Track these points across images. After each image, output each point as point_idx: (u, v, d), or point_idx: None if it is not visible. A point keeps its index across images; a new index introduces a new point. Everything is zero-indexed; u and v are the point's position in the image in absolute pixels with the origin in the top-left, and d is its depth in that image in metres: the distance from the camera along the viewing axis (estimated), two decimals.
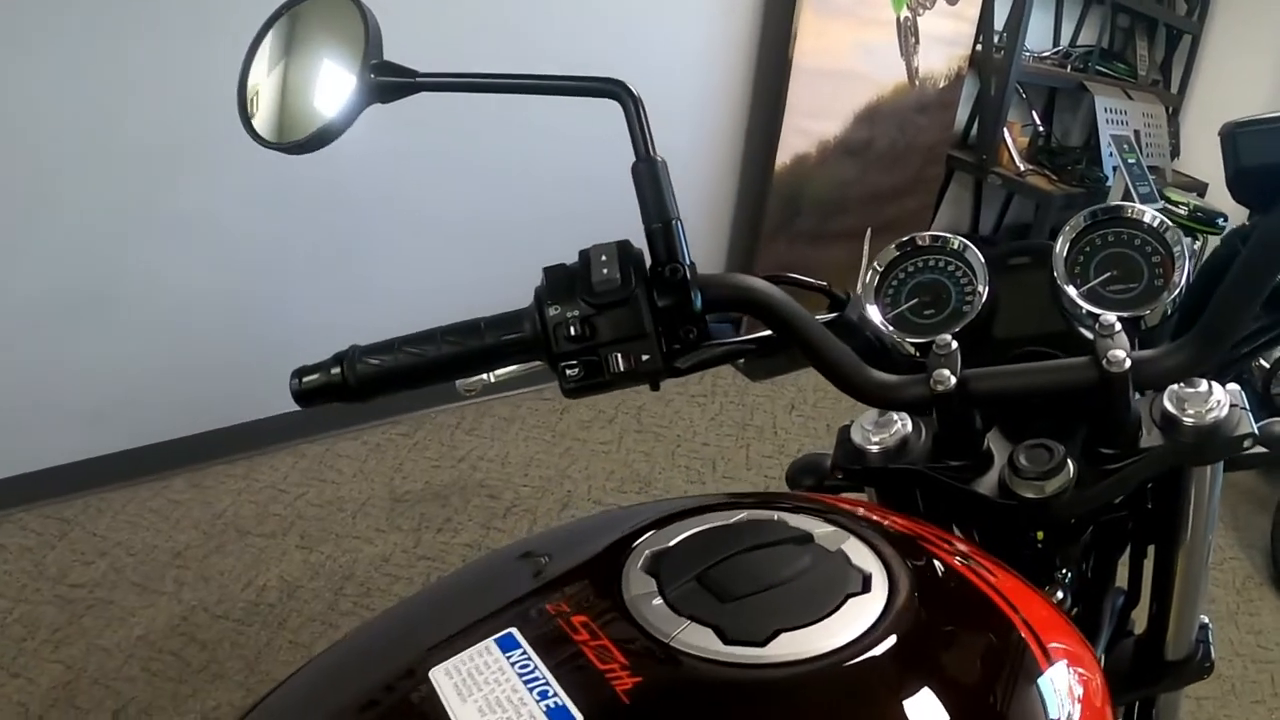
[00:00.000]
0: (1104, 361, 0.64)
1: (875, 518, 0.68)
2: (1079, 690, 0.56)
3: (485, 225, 2.77)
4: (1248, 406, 0.71)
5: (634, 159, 0.67)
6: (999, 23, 3.98)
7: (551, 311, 0.65)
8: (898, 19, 3.40)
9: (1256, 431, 0.69)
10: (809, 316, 0.69)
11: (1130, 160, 3.95)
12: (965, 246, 0.86)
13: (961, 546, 0.67)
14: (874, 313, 0.85)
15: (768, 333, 0.76)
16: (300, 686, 0.59)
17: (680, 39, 2.92)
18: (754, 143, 3.28)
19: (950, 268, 0.86)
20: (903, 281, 0.87)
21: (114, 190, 2.24)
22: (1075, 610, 0.86)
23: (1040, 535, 0.79)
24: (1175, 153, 5.47)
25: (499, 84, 0.70)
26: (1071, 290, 0.79)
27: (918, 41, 3.52)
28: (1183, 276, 0.77)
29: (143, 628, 2.12)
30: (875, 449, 0.77)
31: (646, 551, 0.58)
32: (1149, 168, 4.26)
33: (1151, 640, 0.90)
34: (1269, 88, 5.13)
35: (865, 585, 0.55)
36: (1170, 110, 5.46)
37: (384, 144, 2.42)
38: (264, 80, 0.73)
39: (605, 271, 0.65)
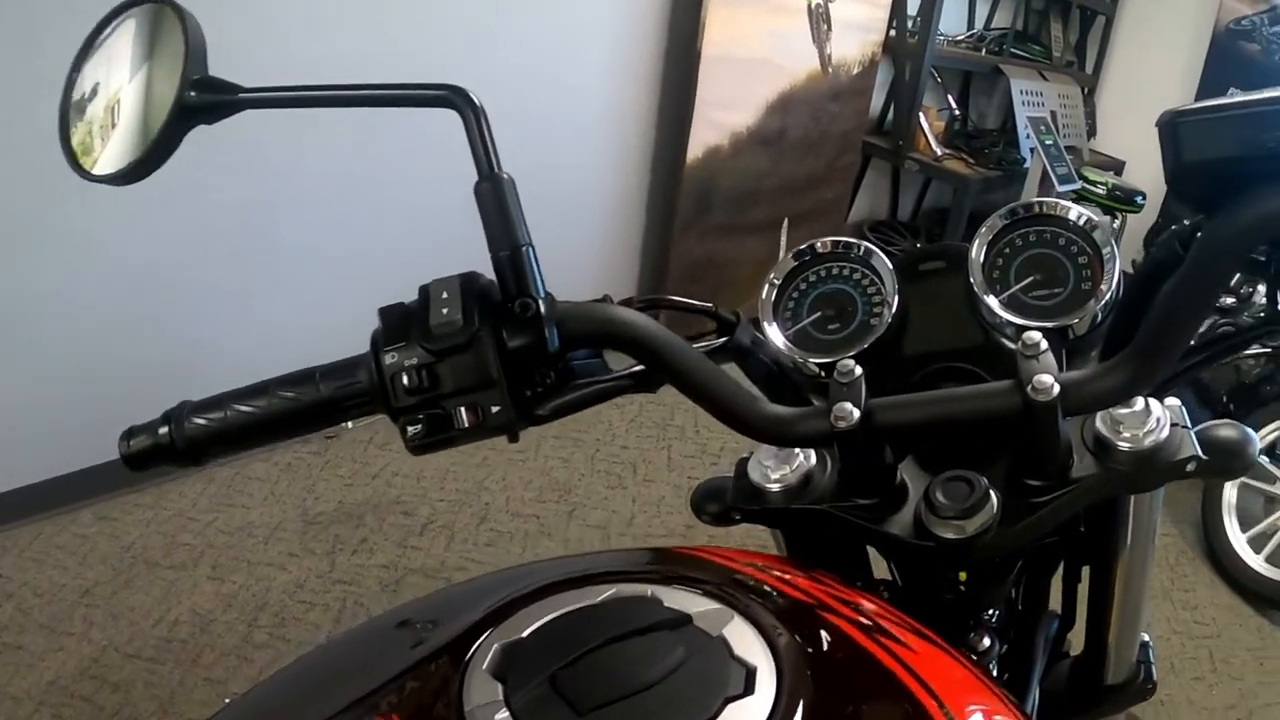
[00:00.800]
0: (1029, 388, 0.59)
1: (769, 581, 0.63)
2: None
3: (376, 248, 2.74)
4: (1189, 424, 0.67)
5: (477, 178, 0.60)
6: (913, 7, 4.05)
7: (388, 359, 0.58)
8: (809, 6, 3.44)
9: (1200, 453, 0.64)
10: (685, 347, 0.63)
11: (1047, 141, 4.08)
12: (870, 252, 0.80)
13: (869, 607, 0.62)
14: (773, 332, 0.79)
15: (636, 368, 0.69)
16: None
17: (585, 34, 2.91)
18: (664, 137, 3.30)
19: (856, 276, 0.80)
20: (804, 293, 0.81)
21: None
22: (1004, 648, 0.82)
23: (963, 575, 0.74)
24: (1092, 132, 5.65)
25: (329, 98, 0.65)
26: (991, 299, 0.73)
27: (830, 28, 3.57)
28: (1113, 279, 0.72)
29: (53, 672, 2.08)
30: (775, 488, 0.71)
31: (495, 646, 0.52)
32: (1066, 148, 4.40)
33: (1090, 663, 0.88)
34: (1183, 65, 5.32)
35: (748, 684, 0.48)
36: (1086, 90, 5.62)
37: (277, 160, 2.40)
38: (84, 104, 0.66)
39: (445, 311, 0.58)
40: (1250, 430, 0.77)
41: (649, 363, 0.62)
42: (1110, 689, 0.88)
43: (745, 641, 0.51)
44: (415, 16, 2.45)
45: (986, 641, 0.77)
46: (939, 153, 4.23)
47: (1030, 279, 0.74)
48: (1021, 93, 4.66)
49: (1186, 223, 0.69)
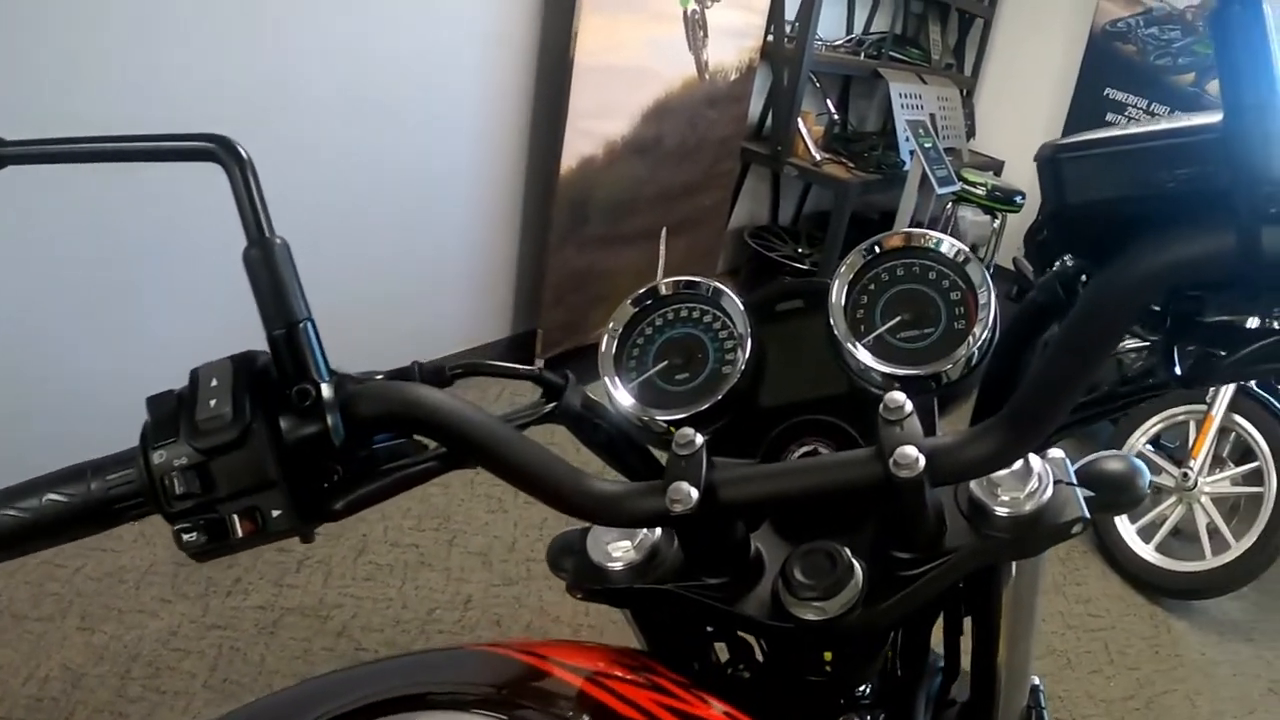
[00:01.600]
0: (890, 461, 0.54)
1: (597, 694, 0.60)
2: None
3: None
4: (1074, 479, 0.63)
5: (245, 243, 0.53)
6: (791, 12, 4.12)
7: (157, 458, 0.52)
8: (685, 13, 3.47)
9: (1086, 513, 0.60)
10: (493, 425, 0.58)
11: (926, 144, 4.20)
12: (719, 292, 0.74)
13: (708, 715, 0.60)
14: (614, 387, 0.73)
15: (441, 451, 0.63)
16: None
17: (453, 46, 2.90)
18: (537, 148, 3.29)
19: (706, 318, 0.74)
20: (649, 338, 0.75)
21: None
22: (882, 716, 0.78)
23: (828, 655, 0.68)
24: (971, 133, 5.85)
25: (91, 152, 0.58)
26: (853, 347, 0.68)
27: (706, 35, 3.60)
28: (989, 317, 0.67)
29: None
30: (617, 566, 0.66)
31: None
32: (946, 149, 4.52)
33: (978, 714, 0.86)
34: (1060, 66, 5.55)
35: None
36: (965, 92, 5.82)
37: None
38: None
39: (214, 403, 0.52)
40: (1137, 461, 0.78)
41: (453, 446, 0.58)
42: None
43: None
44: (275, 28, 2.40)
45: None
46: (818, 157, 4.31)
47: (898, 319, 0.68)
48: (900, 96, 4.80)
49: (1070, 263, 0.65)
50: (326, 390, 0.53)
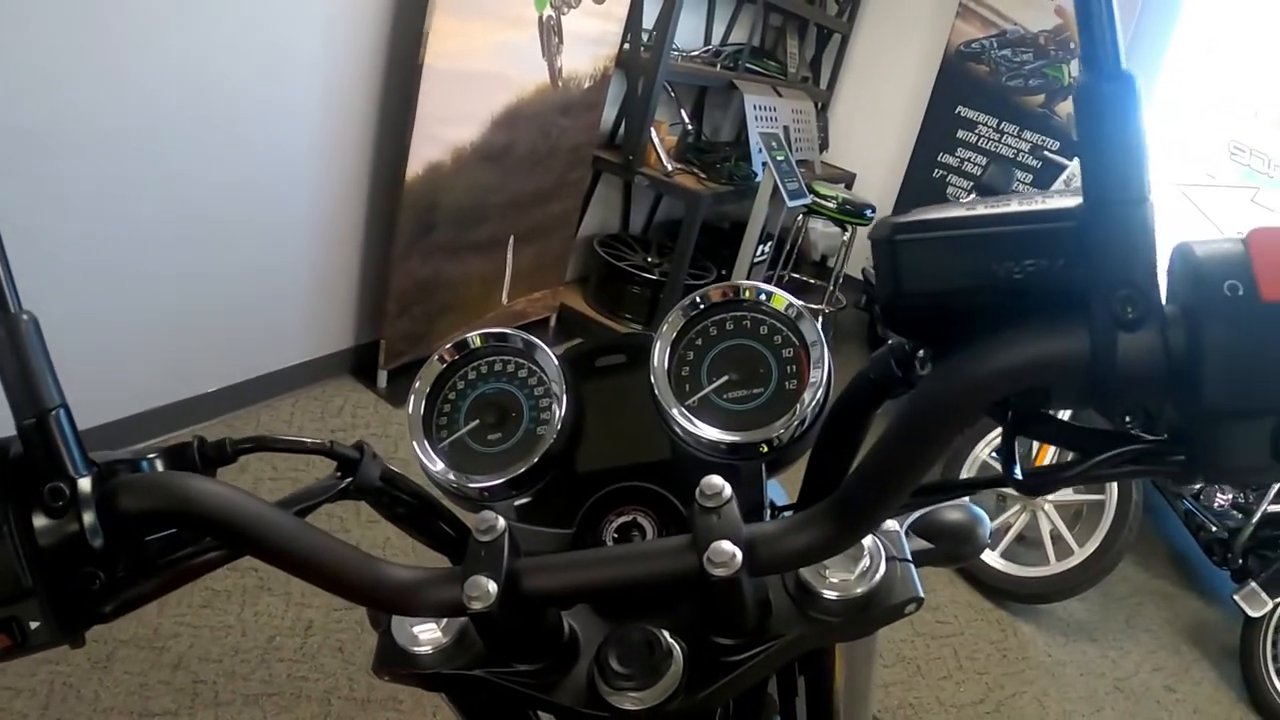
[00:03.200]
0: (705, 558, 0.52)
1: None
2: None
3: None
4: (909, 556, 0.63)
5: None
6: (649, 21, 4.27)
7: None
8: (540, 18, 3.55)
9: (920, 593, 0.61)
10: (273, 517, 0.54)
11: (779, 157, 4.38)
12: (533, 345, 0.73)
13: None
14: (423, 453, 0.72)
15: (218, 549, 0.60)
16: None
17: (296, 42, 2.90)
18: (383, 153, 3.32)
19: (521, 372, 0.73)
20: (462, 393, 0.74)
21: None
22: None
23: None
24: (824, 146, 6.15)
25: None
26: (676, 412, 0.66)
27: (561, 41, 3.70)
28: (823, 375, 0.66)
29: None
30: (424, 650, 0.64)
31: None
32: (798, 162, 4.72)
33: None
34: (914, 83, 5.88)
35: None
36: (819, 105, 6.11)
37: None
38: None
39: None
40: (979, 510, 0.80)
41: (227, 542, 0.55)
42: None
43: None
44: (111, 39, 2.40)
45: None
46: (669, 167, 4.45)
47: (725, 378, 0.67)
48: (755, 108, 5.01)
49: (904, 343, 0.62)
50: (84, 485, 0.50)
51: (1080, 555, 3.31)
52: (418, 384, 0.73)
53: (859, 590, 0.59)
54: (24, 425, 0.49)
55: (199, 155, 2.68)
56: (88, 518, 0.50)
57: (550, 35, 3.66)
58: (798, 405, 0.65)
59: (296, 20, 2.85)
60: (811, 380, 0.66)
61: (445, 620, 0.64)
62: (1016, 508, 3.54)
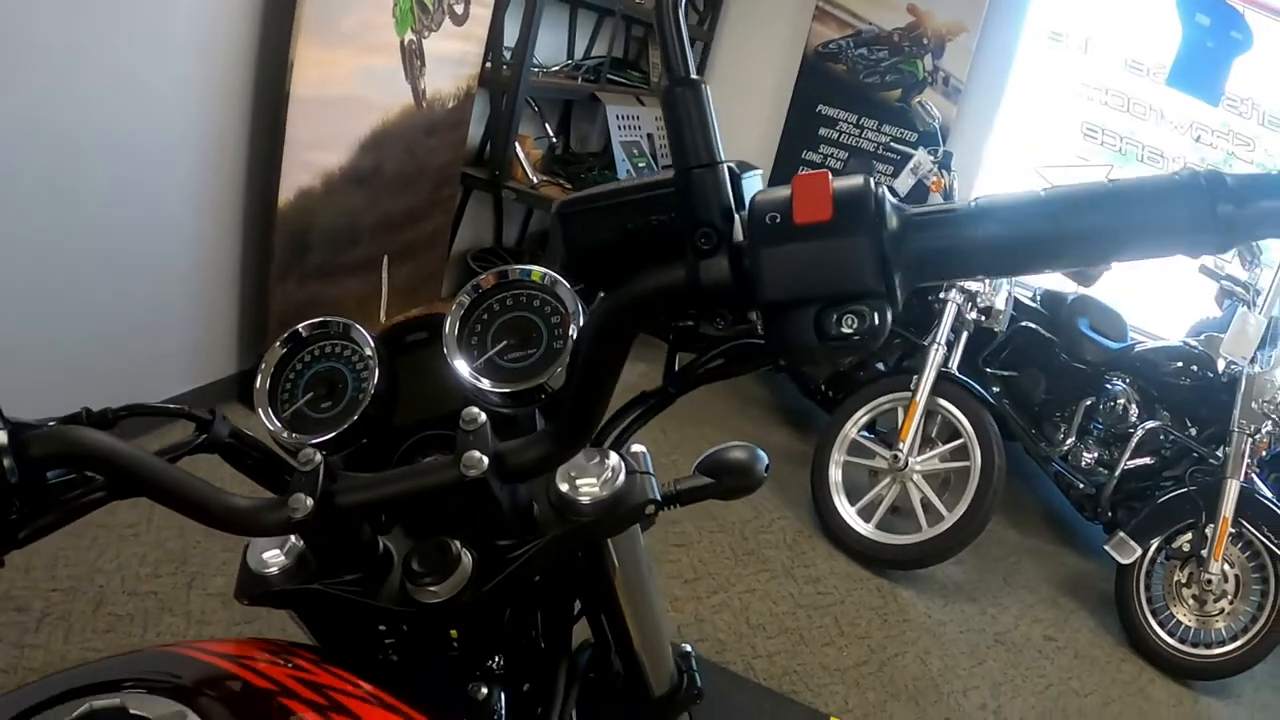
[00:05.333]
0: (461, 465, 0.69)
1: (242, 673, 0.73)
2: None
3: None
4: (650, 469, 0.80)
5: None
6: (510, 40, 4.55)
7: None
8: (402, 43, 3.80)
9: (659, 496, 0.78)
10: (147, 459, 0.71)
11: (640, 164, 4.67)
12: (349, 327, 0.88)
13: (335, 686, 0.73)
14: (266, 419, 0.86)
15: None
16: None
17: (163, 77, 3.04)
18: (255, 181, 3.49)
19: (346, 353, 0.88)
20: (300, 374, 0.88)
21: None
22: (527, 686, 0.92)
23: (454, 633, 0.82)
24: None
25: None
26: (461, 367, 0.80)
27: (424, 64, 3.96)
28: (578, 331, 0.80)
29: None
30: (272, 571, 0.79)
31: None
32: (664, 168, 5.07)
33: (633, 682, 1.03)
34: (775, 85, 6.26)
35: None
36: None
37: None
38: None
39: None
40: (759, 451, 0.98)
41: (112, 478, 0.72)
42: (659, 700, 1.05)
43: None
44: None
45: (484, 690, 0.84)
46: (535, 180, 4.74)
47: (504, 343, 0.81)
48: (618, 118, 5.33)
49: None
50: (1, 436, 0.66)
51: (950, 519, 3.65)
52: (262, 365, 0.88)
53: (604, 493, 0.75)
54: None
55: (67, 192, 2.82)
56: (6, 460, 0.66)
57: (413, 59, 3.91)
58: (561, 357, 0.80)
59: (157, 54, 3.01)
60: (571, 335, 0.80)
61: (288, 546, 0.79)
62: (887, 480, 3.88)
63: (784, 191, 0.58)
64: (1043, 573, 4.20)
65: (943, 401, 3.83)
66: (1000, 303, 3.90)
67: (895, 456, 3.82)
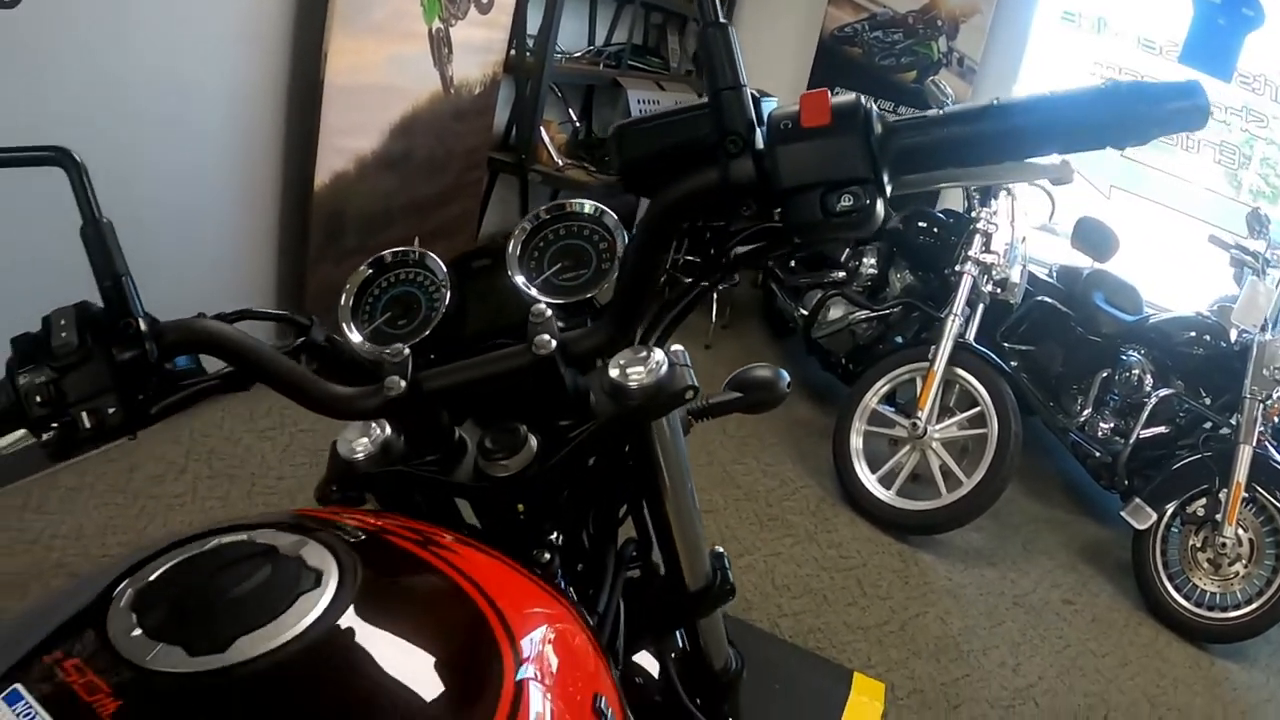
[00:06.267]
0: (532, 347, 0.82)
1: (348, 521, 0.81)
2: (550, 647, 0.74)
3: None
4: (689, 364, 0.90)
5: (81, 223, 0.81)
6: (533, 28, 4.71)
7: (22, 380, 0.76)
8: (430, 31, 3.95)
9: (696, 384, 0.88)
10: (263, 346, 0.83)
11: None
12: (425, 255, 1.00)
13: (434, 535, 0.82)
14: (350, 332, 0.97)
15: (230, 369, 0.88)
16: None
17: (203, 67, 3.18)
18: (291, 166, 3.64)
19: (420, 278, 0.99)
20: (377, 298, 0.99)
21: None
22: (580, 566, 1.03)
23: (521, 507, 0.93)
24: None
25: None
26: (520, 280, 0.94)
27: (451, 51, 4.11)
28: (621, 252, 0.92)
29: None
30: (359, 457, 0.91)
31: (129, 590, 0.68)
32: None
33: (672, 577, 1.13)
34: (793, 69, 6.36)
35: (317, 582, 0.68)
36: (702, 97, 6.61)
37: None
38: None
39: (64, 335, 0.76)
40: (782, 370, 1.14)
41: (234, 362, 0.83)
42: (695, 595, 1.15)
43: (317, 557, 0.71)
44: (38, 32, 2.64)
45: (547, 555, 0.93)
46: (560, 163, 4.90)
47: (559, 265, 0.95)
48: (639, 103, 5.47)
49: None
50: (143, 324, 0.79)
51: (969, 484, 3.77)
52: (347, 286, 1.00)
53: (649, 381, 0.86)
54: (104, 286, 0.80)
55: (109, 177, 2.90)
56: (148, 344, 0.79)
57: (440, 46, 4.06)
58: (610, 273, 0.93)
59: (200, 46, 3.15)
60: (616, 258, 0.94)
61: (374, 435, 0.92)
62: (907, 449, 4.00)
63: (794, 106, 0.73)
64: (1061, 540, 4.30)
65: (960, 371, 3.95)
66: (1015, 276, 4.00)
67: (914, 424, 3.93)
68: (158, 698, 0.62)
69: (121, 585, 0.70)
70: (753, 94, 0.74)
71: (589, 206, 0.98)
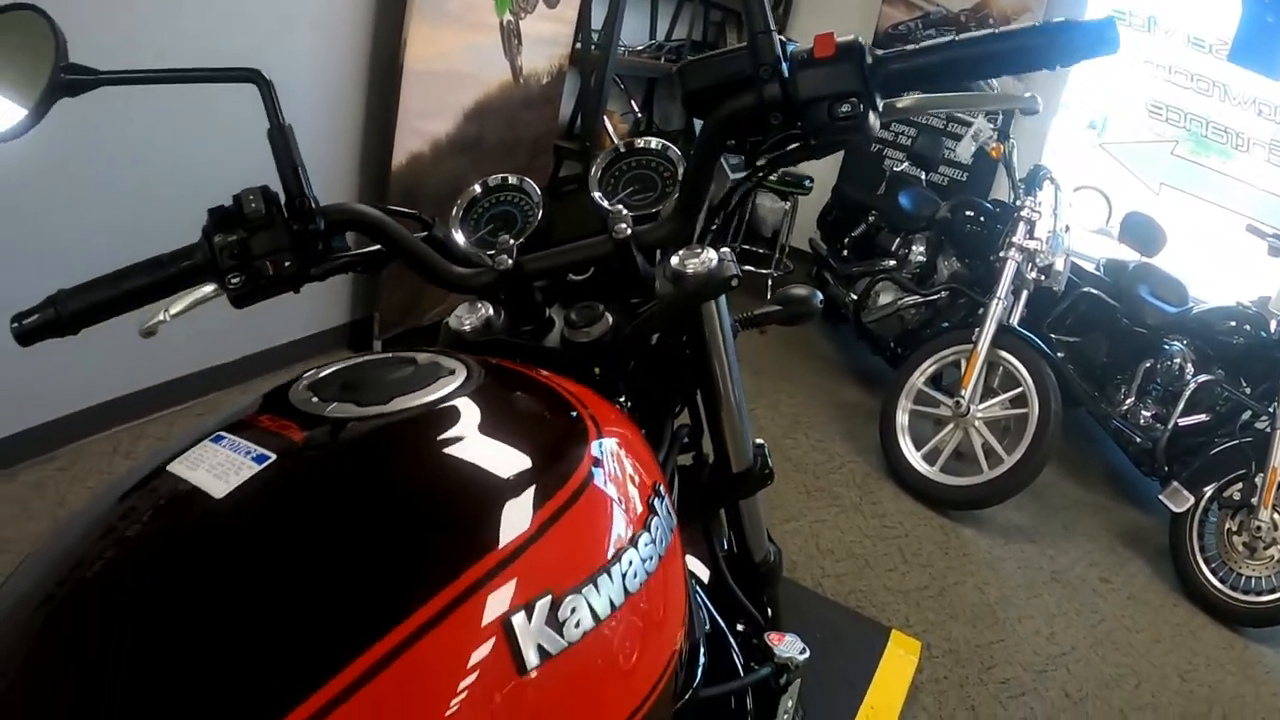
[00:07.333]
0: (612, 234, 1.01)
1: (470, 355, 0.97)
2: (621, 442, 0.89)
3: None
4: (735, 260, 1.06)
5: (269, 127, 0.99)
6: (597, 22, 4.94)
7: (217, 239, 0.95)
8: (501, 23, 4.18)
9: (740, 274, 1.04)
10: (406, 231, 1.04)
11: None
12: (524, 180, 1.18)
13: (539, 370, 0.99)
14: (458, 236, 1.15)
15: (376, 247, 1.08)
16: (88, 520, 0.78)
17: (292, 51, 3.42)
18: (370, 146, 3.88)
19: (518, 200, 1.18)
20: (483, 213, 1.18)
21: None
22: (644, 432, 1.10)
23: (598, 371, 1.09)
24: None
25: (161, 76, 1.03)
26: (601, 198, 1.10)
27: (521, 43, 4.34)
28: (682, 178, 1.09)
29: None
30: (467, 329, 1.09)
31: (304, 380, 0.88)
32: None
33: (720, 461, 1.29)
34: None
35: (451, 372, 0.88)
36: None
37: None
38: None
39: (254, 205, 0.96)
40: (816, 290, 1.34)
41: (383, 241, 1.04)
42: (738, 476, 1.31)
43: (449, 361, 0.91)
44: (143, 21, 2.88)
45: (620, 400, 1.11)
46: None
47: (631, 189, 1.14)
48: None
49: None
50: (314, 203, 0.98)
51: (1009, 461, 3.93)
52: (458, 201, 1.19)
53: (703, 269, 1.03)
54: (285, 174, 0.99)
55: (198, 154, 3.16)
56: (318, 218, 0.99)
57: (511, 38, 4.29)
58: (672, 194, 1.12)
59: (290, 30, 3.40)
60: (678, 182, 1.12)
61: (479, 312, 1.11)
62: (950, 427, 4.17)
63: (809, 45, 0.93)
64: (1102, 523, 4.44)
65: (1003, 353, 4.10)
66: (1059, 264, 4.14)
67: (957, 403, 4.11)
68: (335, 431, 0.80)
69: (296, 379, 0.89)
70: (780, 37, 0.92)
71: (655, 143, 1.16)
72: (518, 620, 0.68)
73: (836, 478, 4.21)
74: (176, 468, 0.76)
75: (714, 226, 1.17)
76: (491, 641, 0.67)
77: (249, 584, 0.68)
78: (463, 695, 0.65)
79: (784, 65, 0.92)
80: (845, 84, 0.91)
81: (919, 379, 4.28)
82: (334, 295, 4.12)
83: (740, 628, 1.41)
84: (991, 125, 4.64)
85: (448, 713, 0.64)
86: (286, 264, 0.97)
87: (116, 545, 0.73)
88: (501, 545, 0.71)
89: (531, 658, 0.67)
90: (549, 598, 0.70)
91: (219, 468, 0.75)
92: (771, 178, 5.51)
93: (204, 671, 0.62)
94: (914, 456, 4.16)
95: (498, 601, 0.68)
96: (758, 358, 5.25)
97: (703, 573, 1.38)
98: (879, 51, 0.94)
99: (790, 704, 1.31)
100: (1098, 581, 3.92)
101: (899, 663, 3.05)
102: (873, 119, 0.92)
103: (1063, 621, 3.57)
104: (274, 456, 0.75)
